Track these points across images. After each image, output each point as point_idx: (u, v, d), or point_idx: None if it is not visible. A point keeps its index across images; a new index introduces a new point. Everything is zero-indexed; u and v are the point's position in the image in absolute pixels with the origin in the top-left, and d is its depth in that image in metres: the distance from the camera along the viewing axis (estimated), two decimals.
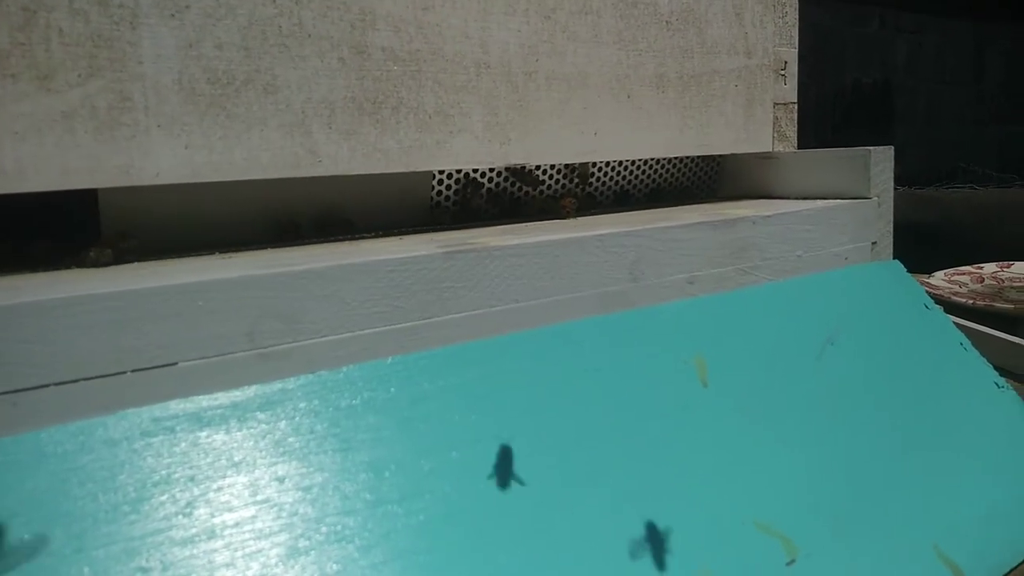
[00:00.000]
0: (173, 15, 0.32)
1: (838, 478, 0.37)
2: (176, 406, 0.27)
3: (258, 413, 0.28)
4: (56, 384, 0.26)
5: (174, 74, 0.33)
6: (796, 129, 0.55)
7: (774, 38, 0.54)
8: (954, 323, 0.50)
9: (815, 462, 0.37)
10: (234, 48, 0.34)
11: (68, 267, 0.33)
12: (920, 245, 0.55)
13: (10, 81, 0.30)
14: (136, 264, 0.34)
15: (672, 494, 0.33)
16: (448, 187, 0.47)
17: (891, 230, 0.52)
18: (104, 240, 0.35)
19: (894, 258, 0.52)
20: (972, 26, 1.54)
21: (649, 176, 0.56)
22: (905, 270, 0.51)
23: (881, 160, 0.51)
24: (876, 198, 0.51)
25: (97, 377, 0.26)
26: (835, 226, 0.48)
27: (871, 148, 0.50)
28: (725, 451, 0.35)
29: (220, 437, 0.27)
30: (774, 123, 0.54)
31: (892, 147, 0.52)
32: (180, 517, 0.25)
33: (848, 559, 0.34)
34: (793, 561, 0.33)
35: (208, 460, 0.26)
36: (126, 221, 0.37)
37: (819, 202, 0.50)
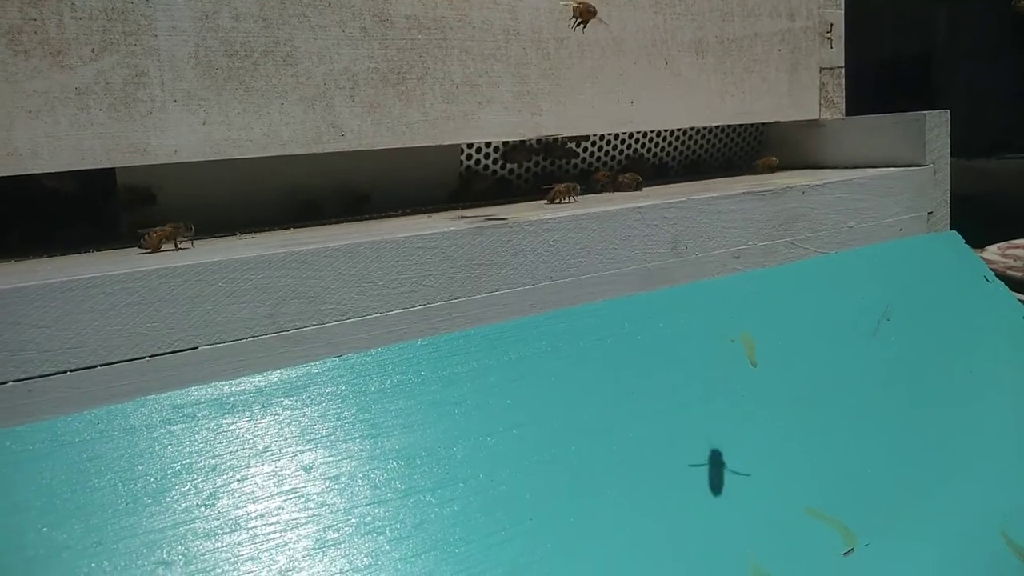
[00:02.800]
0: None
1: (897, 462, 0.36)
2: (197, 392, 0.26)
3: (283, 398, 0.27)
4: (72, 370, 0.25)
5: (190, 47, 0.32)
6: (844, 95, 0.53)
7: None
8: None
9: (871, 445, 0.36)
10: (252, 19, 0.33)
11: (88, 251, 0.32)
12: (968, 217, 0.52)
13: (22, 58, 0.29)
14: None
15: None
16: (478, 161, 0.45)
17: (948, 199, 0.49)
18: (130, 222, 0.34)
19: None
20: None
21: (688, 146, 0.54)
22: (963, 242, 0.48)
23: (937, 125, 0.48)
24: (932, 165, 0.48)
25: (115, 363, 0.26)
26: (889, 195, 0.46)
27: (926, 112, 0.48)
28: (775, 433, 0.34)
29: (243, 424, 0.26)
30: (820, 88, 0.52)
31: (948, 111, 0.49)
32: (202, 509, 0.24)
33: (909, 547, 0.33)
34: (851, 550, 0.31)
35: (231, 448, 0.26)
36: (144, 201, 0.36)
37: (871, 170, 0.47)
